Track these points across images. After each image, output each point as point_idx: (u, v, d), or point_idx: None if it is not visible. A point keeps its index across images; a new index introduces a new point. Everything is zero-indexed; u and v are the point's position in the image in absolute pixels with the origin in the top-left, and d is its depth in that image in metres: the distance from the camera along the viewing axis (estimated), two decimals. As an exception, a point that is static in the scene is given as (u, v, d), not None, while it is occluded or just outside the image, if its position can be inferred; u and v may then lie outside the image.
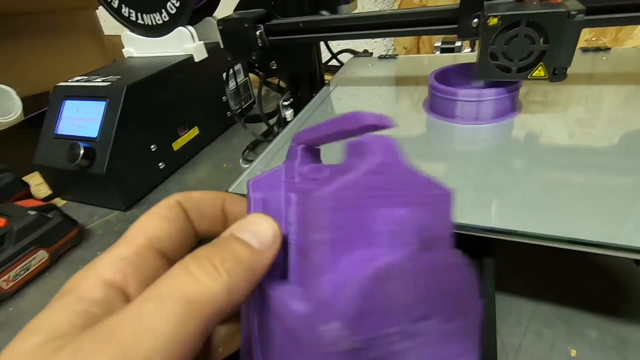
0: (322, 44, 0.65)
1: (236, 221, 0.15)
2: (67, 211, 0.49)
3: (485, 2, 0.36)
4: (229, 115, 0.73)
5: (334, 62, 0.74)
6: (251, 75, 0.79)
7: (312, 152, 0.17)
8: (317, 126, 0.15)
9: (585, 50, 0.53)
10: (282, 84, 0.77)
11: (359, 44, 1.01)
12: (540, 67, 0.35)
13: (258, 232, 0.14)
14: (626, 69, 0.47)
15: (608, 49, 0.52)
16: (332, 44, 0.96)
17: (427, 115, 0.43)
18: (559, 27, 0.32)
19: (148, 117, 0.56)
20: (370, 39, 0.99)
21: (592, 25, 0.35)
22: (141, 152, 0.56)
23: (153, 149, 0.57)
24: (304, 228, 0.13)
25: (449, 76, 0.44)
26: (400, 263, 0.11)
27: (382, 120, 0.13)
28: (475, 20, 0.37)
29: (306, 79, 0.58)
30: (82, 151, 0.48)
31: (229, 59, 0.52)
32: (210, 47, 0.66)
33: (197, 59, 0.64)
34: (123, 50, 0.67)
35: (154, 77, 0.57)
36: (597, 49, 0.52)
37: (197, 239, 0.18)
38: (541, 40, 0.33)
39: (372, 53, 0.71)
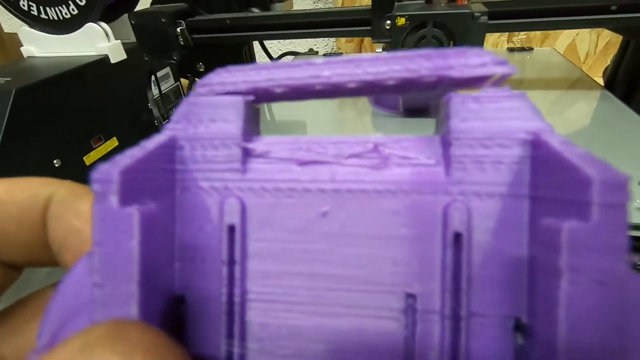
0: (259, 46, 0.60)
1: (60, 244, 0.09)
2: None
3: (395, 3, 0.36)
4: (157, 125, 0.65)
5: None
6: (184, 80, 0.72)
7: (252, 111, 0.11)
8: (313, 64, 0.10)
9: (511, 50, 0.61)
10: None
11: (306, 46, 0.96)
12: None
13: None
14: (545, 66, 0.56)
15: (531, 49, 0.60)
16: (275, 48, 0.91)
17: (372, 109, 0.44)
18: (465, 28, 0.34)
19: (49, 126, 0.48)
20: (320, 40, 0.95)
21: (497, 30, 0.37)
22: (40, 167, 0.47)
23: (57, 165, 0.49)
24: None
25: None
26: None
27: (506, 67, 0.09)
28: (388, 21, 0.37)
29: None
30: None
31: (146, 59, 0.45)
32: (131, 48, 0.58)
33: (113, 60, 0.56)
34: (22, 49, 0.58)
35: (56, 79, 0.48)
36: (522, 49, 0.60)
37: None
38: (450, 42, 0.35)
39: (317, 52, 0.68)
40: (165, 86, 0.67)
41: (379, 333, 0.10)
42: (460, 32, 0.33)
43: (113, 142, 0.58)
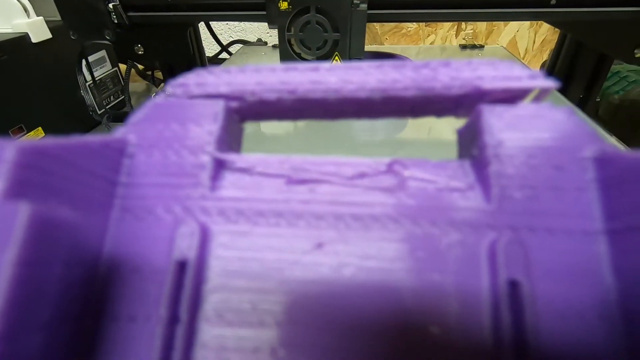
0: (208, 33, 0.55)
1: None
2: None
3: (284, -14, 0.36)
4: (94, 116, 0.58)
5: (224, 56, 0.64)
6: (123, 66, 0.65)
7: (234, 122, 0.09)
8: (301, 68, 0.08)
9: (464, 47, 0.62)
10: (159, 75, 0.64)
11: (256, 34, 0.92)
12: (336, 57, 0.36)
13: None
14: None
15: (482, 46, 0.61)
16: (225, 35, 0.86)
17: None
18: (345, 15, 0.34)
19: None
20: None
21: (381, 19, 0.37)
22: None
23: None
24: None
25: None
26: None
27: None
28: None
29: (185, 70, 0.48)
30: None
31: (73, 38, 0.39)
32: (57, 26, 0.51)
33: (35, 40, 0.49)
34: None
35: (-39, 59, 0.41)
36: (474, 46, 0.61)
37: None
38: (332, 28, 0.34)
39: (266, 42, 0.64)
40: (101, 71, 0.60)
41: None
42: (340, 19, 0.33)
43: (38, 133, 0.51)
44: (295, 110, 0.08)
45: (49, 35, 0.50)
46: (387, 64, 0.08)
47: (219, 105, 0.08)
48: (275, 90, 0.08)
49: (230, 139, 0.09)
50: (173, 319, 0.07)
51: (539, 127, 0.08)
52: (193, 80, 0.09)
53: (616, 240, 0.07)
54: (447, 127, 0.37)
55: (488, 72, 0.08)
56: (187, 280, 0.07)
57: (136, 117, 0.09)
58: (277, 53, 0.57)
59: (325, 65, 0.08)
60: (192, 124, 0.08)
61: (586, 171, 0.07)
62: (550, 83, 0.08)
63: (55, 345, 0.06)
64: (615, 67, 0.54)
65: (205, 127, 0.08)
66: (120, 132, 0.08)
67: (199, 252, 0.07)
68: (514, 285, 0.07)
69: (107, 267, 0.07)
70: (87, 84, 0.58)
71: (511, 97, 0.08)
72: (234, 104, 0.08)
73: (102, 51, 0.60)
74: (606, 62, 0.45)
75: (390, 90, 0.08)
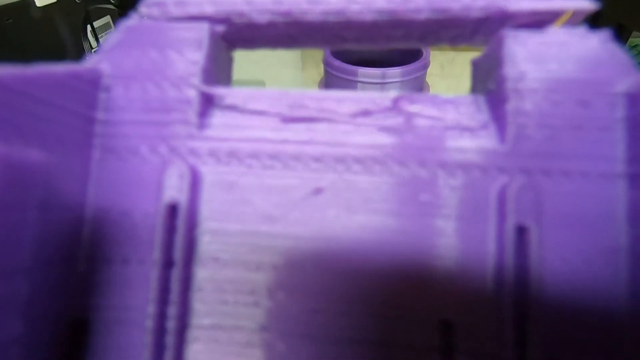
0: None
1: None
2: None
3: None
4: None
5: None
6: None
7: (221, 50, 0.08)
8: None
9: None
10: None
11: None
12: None
13: None
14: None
15: None
16: None
17: (325, 70, 0.37)
18: None
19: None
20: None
21: None
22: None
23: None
24: None
25: (348, 52, 0.36)
26: None
27: None
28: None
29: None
30: None
31: (77, 1, 0.38)
32: (62, -10, 0.50)
33: (39, 4, 0.48)
34: None
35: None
36: None
37: None
38: None
39: None
40: (106, 38, 0.59)
41: None
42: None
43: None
44: (291, 36, 0.08)
45: (53, 0, 0.49)
46: None
47: (202, 30, 0.07)
48: (267, 12, 0.07)
49: (218, 70, 0.08)
50: (167, 263, 0.07)
51: (568, 56, 0.07)
52: None
53: (636, 184, 0.06)
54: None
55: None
56: (180, 224, 0.07)
57: (108, 44, 0.08)
58: None
59: None
60: (173, 51, 0.07)
61: (615, 108, 0.06)
62: (587, 3, 0.07)
63: (44, 288, 0.06)
64: (634, 39, 0.53)
65: (188, 56, 0.07)
66: (92, 60, 0.08)
67: (190, 195, 0.07)
68: (521, 230, 0.06)
69: (94, 209, 0.07)
70: (92, 50, 0.57)
71: (539, 21, 0.07)
72: (220, 29, 0.08)
73: (107, 17, 0.59)
74: (624, 34, 0.43)
75: (401, 12, 0.07)
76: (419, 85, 0.35)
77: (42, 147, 0.06)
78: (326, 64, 0.35)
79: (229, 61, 0.09)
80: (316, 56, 0.45)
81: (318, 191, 0.07)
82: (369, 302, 0.07)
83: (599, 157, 0.07)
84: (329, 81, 0.35)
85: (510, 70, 0.07)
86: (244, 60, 0.44)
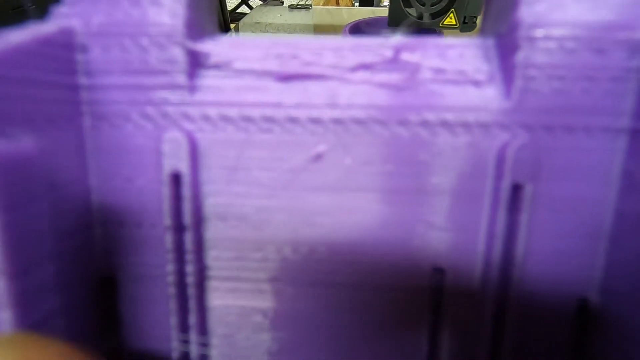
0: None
1: None
2: None
3: None
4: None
5: (243, 9, 0.63)
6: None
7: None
8: None
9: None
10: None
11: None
12: (451, 15, 0.33)
13: None
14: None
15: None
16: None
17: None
18: None
19: None
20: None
21: None
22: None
23: None
24: None
25: (367, 30, 0.40)
26: None
27: None
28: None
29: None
30: None
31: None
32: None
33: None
34: None
35: None
36: None
37: None
38: None
39: (282, 2, 0.63)
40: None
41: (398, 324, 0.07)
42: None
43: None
44: None
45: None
46: None
47: None
48: None
49: (201, 15, 0.07)
50: (178, 227, 0.07)
51: None
52: None
53: (635, 141, 0.06)
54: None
55: None
56: (185, 189, 0.07)
57: None
58: (293, 14, 0.53)
59: None
60: (149, 2, 0.07)
61: (632, 57, 0.06)
62: None
63: (69, 258, 0.06)
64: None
65: (165, 7, 0.07)
66: (57, 16, 0.07)
67: (190, 163, 0.07)
68: (516, 189, 0.07)
69: (98, 178, 0.07)
70: None
71: None
72: None
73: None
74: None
75: None
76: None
77: (33, 130, 0.06)
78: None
79: (211, 1, 0.08)
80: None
81: (318, 156, 0.07)
82: (368, 253, 0.07)
83: (605, 111, 0.06)
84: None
85: (525, 13, 0.06)
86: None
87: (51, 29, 0.06)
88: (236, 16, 0.65)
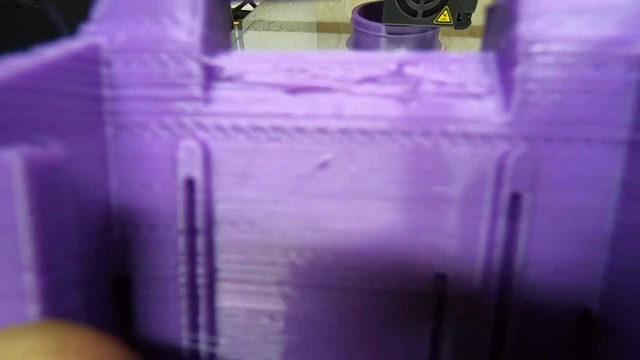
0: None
1: None
2: None
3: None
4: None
5: (247, 7, 0.63)
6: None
7: (217, 7, 0.08)
8: None
9: None
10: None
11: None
12: (445, 12, 0.33)
13: None
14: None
15: None
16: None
17: (354, 28, 0.42)
18: None
19: None
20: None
21: None
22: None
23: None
24: None
25: (374, 13, 0.40)
26: None
27: None
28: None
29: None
30: None
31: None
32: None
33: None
34: None
35: None
36: None
37: None
38: None
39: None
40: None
41: (400, 327, 0.08)
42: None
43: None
44: None
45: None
46: None
47: None
48: None
49: (216, 32, 0.08)
50: (191, 230, 0.08)
51: (593, 9, 0.06)
52: None
53: (634, 153, 0.06)
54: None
55: None
56: (198, 197, 0.07)
57: (99, 13, 0.07)
58: (299, 6, 0.55)
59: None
60: (167, 18, 0.07)
61: (630, 71, 0.06)
62: None
63: (90, 257, 0.07)
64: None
65: (184, 25, 0.07)
66: (86, 34, 0.07)
67: (204, 169, 0.07)
68: (515, 198, 0.07)
69: (117, 183, 0.08)
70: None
71: None
72: None
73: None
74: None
75: None
76: (434, 40, 0.40)
77: (60, 138, 0.06)
78: (354, 22, 0.41)
79: (225, 15, 0.08)
80: (330, 30, 0.47)
81: (323, 164, 0.07)
82: (372, 258, 0.07)
83: (605, 123, 0.06)
84: (357, 38, 0.41)
85: (524, 29, 0.06)
86: (258, 39, 0.44)
87: (79, 45, 0.07)
88: (240, 14, 0.65)
